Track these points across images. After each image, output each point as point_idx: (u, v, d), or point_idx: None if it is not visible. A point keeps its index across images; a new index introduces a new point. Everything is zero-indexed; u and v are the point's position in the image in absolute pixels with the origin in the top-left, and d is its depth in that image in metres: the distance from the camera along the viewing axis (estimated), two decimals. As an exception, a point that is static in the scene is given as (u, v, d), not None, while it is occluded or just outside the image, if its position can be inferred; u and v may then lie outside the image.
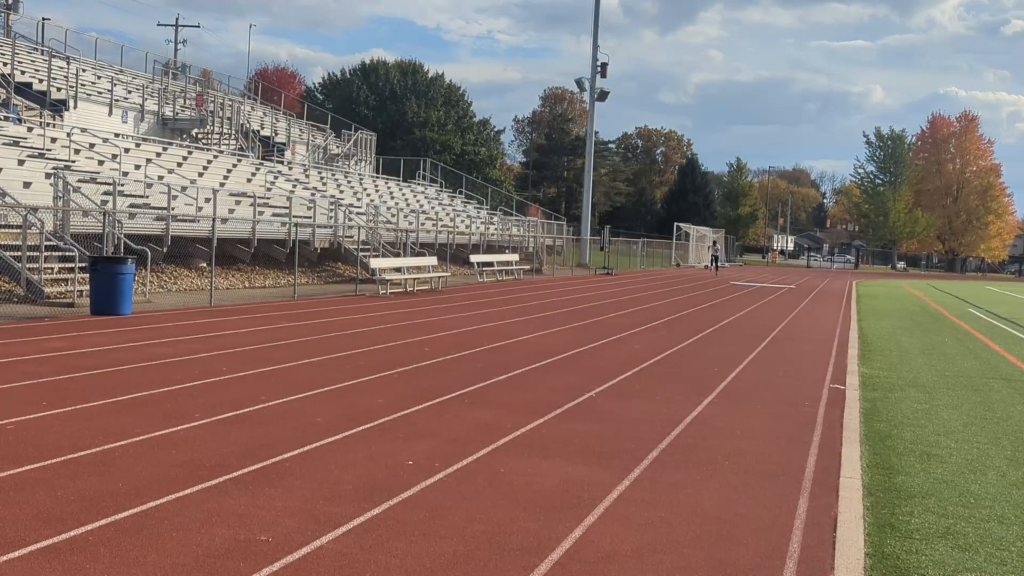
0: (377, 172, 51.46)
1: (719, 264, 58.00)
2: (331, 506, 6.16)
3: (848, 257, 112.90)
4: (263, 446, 7.63)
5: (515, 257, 40.17)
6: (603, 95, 59.48)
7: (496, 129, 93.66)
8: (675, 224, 74.10)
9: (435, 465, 7.32)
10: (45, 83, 33.29)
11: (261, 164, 36.71)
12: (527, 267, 40.92)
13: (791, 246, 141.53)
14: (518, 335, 17.00)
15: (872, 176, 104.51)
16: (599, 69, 58.87)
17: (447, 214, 42.61)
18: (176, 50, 65.32)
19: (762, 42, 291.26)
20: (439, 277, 29.30)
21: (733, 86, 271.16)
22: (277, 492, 6.41)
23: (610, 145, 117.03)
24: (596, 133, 66.00)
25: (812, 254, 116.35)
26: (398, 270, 27.61)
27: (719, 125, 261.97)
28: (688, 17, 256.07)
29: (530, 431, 8.79)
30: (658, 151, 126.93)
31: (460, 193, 52.58)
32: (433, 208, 43.26)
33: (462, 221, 42.96)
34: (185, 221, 24.00)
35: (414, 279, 27.52)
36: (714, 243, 60.43)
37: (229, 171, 32.35)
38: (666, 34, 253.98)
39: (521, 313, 21.88)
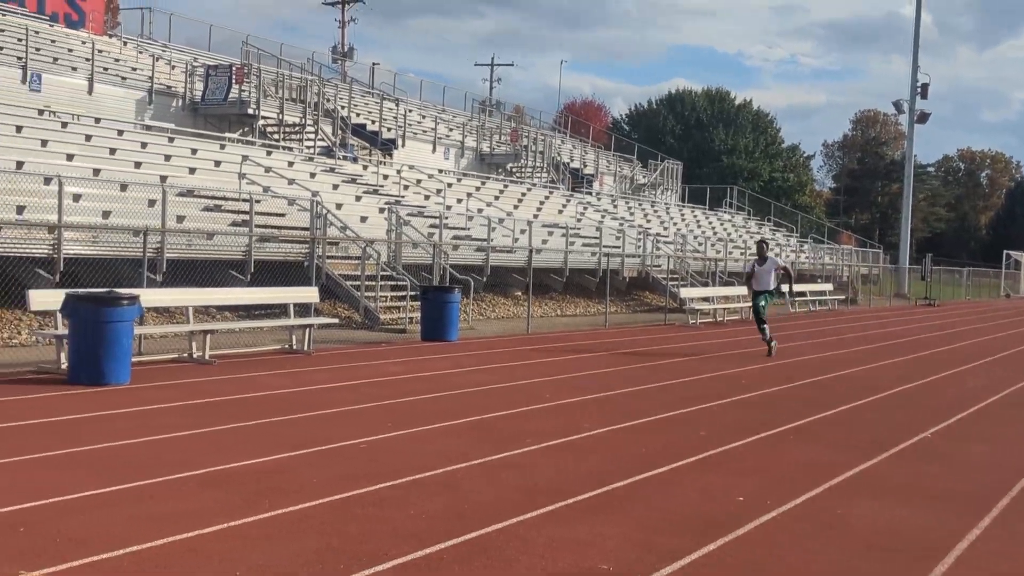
0: (683, 201, 51.38)
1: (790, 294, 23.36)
2: (667, 538, 6.18)
3: None
4: (593, 473, 7.79)
5: (828, 286, 38.73)
6: (923, 117, 56.36)
7: (805, 154, 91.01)
8: (1004, 252, 68.72)
9: (767, 502, 7.16)
10: (377, 124, 35.90)
11: (571, 195, 37.68)
12: (841, 297, 39.33)
13: None
14: (838, 368, 16.36)
15: None
16: (919, 90, 55.84)
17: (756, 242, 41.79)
18: (491, 88, 68.51)
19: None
20: (749, 307, 28.72)
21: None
22: (612, 520, 6.51)
23: (928, 168, 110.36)
24: (914, 156, 62.55)
25: None
26: (707, 299, 27.37)
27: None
28: (1012, 30, 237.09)
29: (864, 471, 8.42)
30: (982, 174, 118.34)
31: (768, 220, 51.44)
32: (741, 236, 42.59)
33: (771, 249, 41.94)
34: (502, 252, 25.03)
35: (724, 308, 27.16)
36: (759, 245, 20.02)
37: (542, 203, 33.43)
38: (984, 50, 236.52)
39: (839, 345, 21.04)
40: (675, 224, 39.82)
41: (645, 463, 8.27)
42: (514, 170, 41.33)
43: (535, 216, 30.02)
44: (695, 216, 44.92)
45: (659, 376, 14.25)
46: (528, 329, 20.59)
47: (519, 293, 25.70)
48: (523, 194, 33.78)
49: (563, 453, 8.58)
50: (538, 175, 41.58)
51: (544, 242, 27.35)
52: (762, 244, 18.63)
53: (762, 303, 18.34)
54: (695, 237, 36.30)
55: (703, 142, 79.60)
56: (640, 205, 41.66)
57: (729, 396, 12.52)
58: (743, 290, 29.58)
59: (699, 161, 75.87)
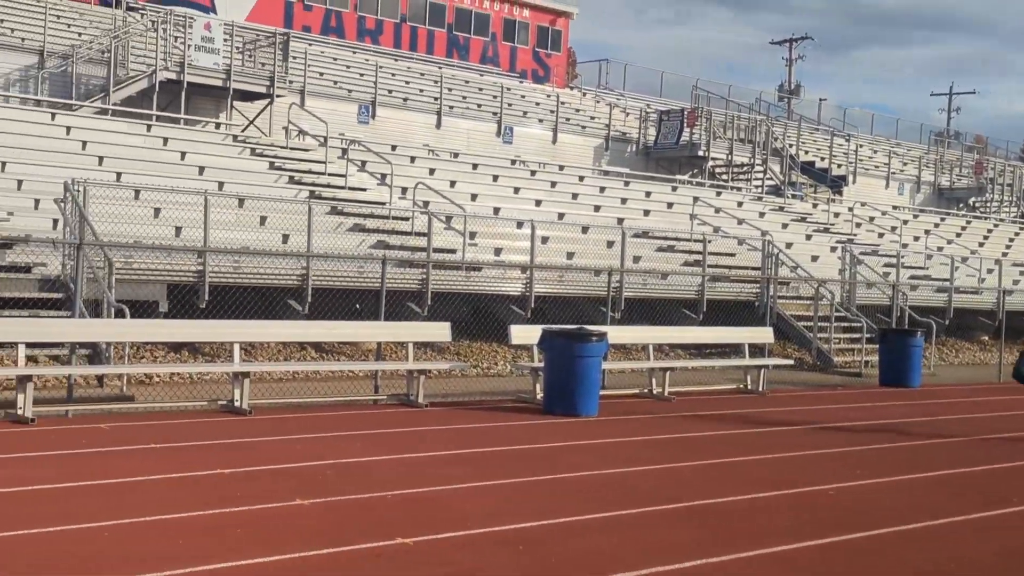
0: None
1: None
2: None
3: None
4: (1099, 543, 7.02)
5: None
6: None
7: None
8: None
9: None
10: (826, 160, 35.12)
11: (1046, 231, 34.32)
12: None
13: None
14: None
15: None
16: None
17: None
18: (949, 118, 64.27)
19: None
20: None
21: None
22: None
23: None
24: None
25: None
26: None
27: None
28: None
29: None
30: None
31: None
32: None
33: None
34: (967, 293, 23.35)
35: None
36: None
37: (1011, 240, 30.83)
38: None
39: None
40: None
41: None
42: (977, 205, 38.47)
43: (1004, 254, 27.71)
44: None
45: None
46: (999, 377, 18.99)
47: (986, 338, 23.81)
48: (989, 231, 31.35)
49: (1059, 516, 7.81)
50: (1006, 210, 38.35)
51: (1015, 283, 25.14)
52: None
53: None
54: None
55: None
56: None
57: None
58: None
59: None
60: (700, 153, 30.71)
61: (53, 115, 18.89)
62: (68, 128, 18.00)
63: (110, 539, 5.97)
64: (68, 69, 22.41)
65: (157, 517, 6.42)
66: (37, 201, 14.16)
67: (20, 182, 14.73)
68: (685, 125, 30.58)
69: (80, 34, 23.88)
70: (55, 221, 13.45)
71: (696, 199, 23.60)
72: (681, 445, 10.35)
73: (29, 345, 10.58)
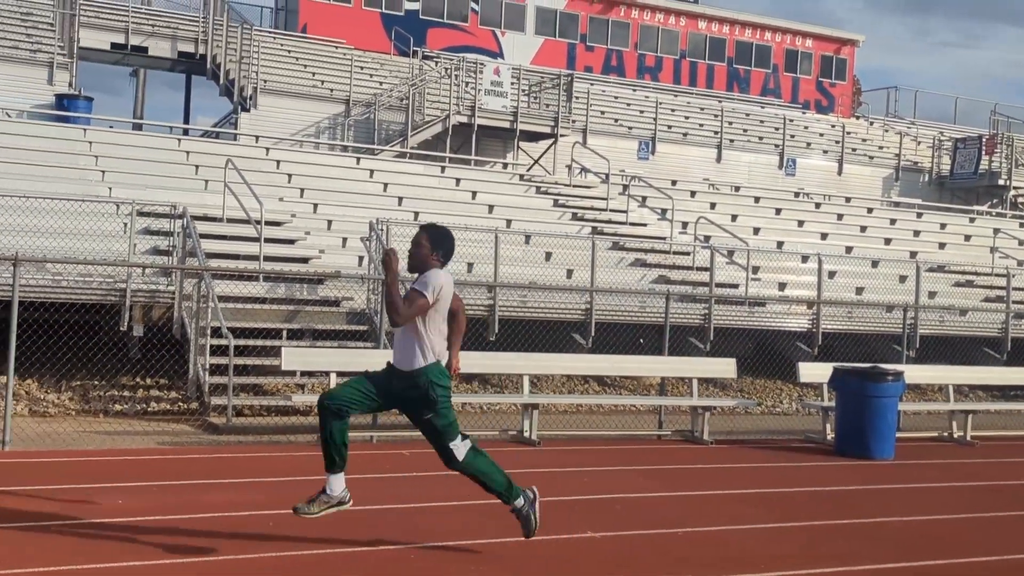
0: None
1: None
2: None
3: None
4: None
5: None
6: None
7: None
8: None
9: None
10: None
11: None
12: None
13: None
14: None
15: None
16: None
17: None
18: None
19: None
20: None
21: None
22: None
23: None
24: None
25: None
26: None
27: None
28: None
29: None
30: None
31: None
32: None
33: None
34: None
35: None
36: None
37: None
38: None
39: None
40: None
41: None
42: None
43: None
44: None
45: None
46: None
47: None
48: None
49: None
50: None
51: None
52: (423, 235, 6.24)
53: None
54: None
55: None
56: None
57: None
58: None
59: None
60: (1000, 182, 28.74)
61: (358, 159, 20.34)
62: (371, 171, 19.29)
63: (415, 561, 6.35)
64: (371, 116, 24.07)
65: (456, 543, 6.75)
66: (345, 239, 15.28)
67: (330, 222, 15.92)
68: (983, 153, 28.73)
69: (381, 83, 25.57)
70: (360, 258, 14.48)
71: (997, 231, 22.09)
72: (987, 493, 9.71)
73: (339, 374, 11.39)
